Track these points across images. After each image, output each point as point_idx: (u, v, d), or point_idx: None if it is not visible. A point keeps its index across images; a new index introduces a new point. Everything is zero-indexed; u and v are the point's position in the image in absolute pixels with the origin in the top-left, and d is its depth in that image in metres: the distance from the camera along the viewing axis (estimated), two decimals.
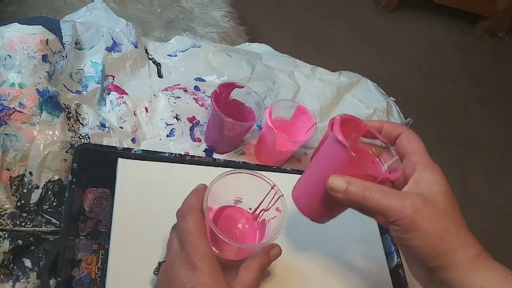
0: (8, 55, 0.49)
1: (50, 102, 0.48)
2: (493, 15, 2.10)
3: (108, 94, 0.58)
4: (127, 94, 0.59)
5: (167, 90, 0.63)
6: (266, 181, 0.40)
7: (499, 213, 1.56)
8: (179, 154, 0.51)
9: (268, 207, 0.41)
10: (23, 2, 0.94)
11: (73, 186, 0.45)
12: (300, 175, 0.54)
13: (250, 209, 0.44)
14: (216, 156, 0.59)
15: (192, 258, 0.33)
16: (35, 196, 0.46)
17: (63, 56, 0.55)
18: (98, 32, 0.62)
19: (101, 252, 0.46)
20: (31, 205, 0.46)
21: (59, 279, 0.40)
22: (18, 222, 0.44)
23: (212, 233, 0.36)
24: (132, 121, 0.57)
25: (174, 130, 0.59)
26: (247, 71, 0.69)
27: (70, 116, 0.51)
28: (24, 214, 0.45)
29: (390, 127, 0.39)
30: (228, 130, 0.55)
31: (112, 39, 0.61)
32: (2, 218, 0.44)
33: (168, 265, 0.36)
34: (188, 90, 0.64)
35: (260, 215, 0.43)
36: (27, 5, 0.93)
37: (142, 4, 1.05)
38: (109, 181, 0.48)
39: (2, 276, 0.42)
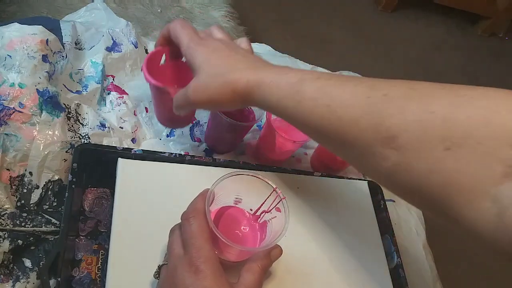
0: (8, 55, 0.49)
1: (50, 102, 0.48)
2: (493, 15, 2.10)
3: (108, 94, 0.58)
4: (127, 94, 0.59)
5: None
6: (268, 183, 0.40)
7: None
8: (179, 154, 0.51)
9: (269, 209, 0.41)
10: (23, 2, 0.94)
11: (73, 186, 0.45)
12: (300, 175, 0.55)
13: (251, 210, 0.44)
14: (216, 156, 0.59)
15: (195, 261, 0.33)
16: (35, 196, 0.46)
17: (63, 56, 0.55)
18: (98, 32, 0.62)
19: (101, 252, 0.46)
20: (31, 205, 0.46)
21: (59, 279, 0.40)
22: (18, 222, 0.44)
23: (213, 235, 0.36)
24: (132, 121, 0.57)
25: (174, 130, 0.59)
26: None
27: (70, 116, 0.51)
28: (24, 214, 0.45)
29: (166, 30, 0.47)
30: (228, 130, 0.55)
31: (112, 39, 0.61)
32: (2, 218, 0.44)
33: (170, 268, 0.36)
34: None
35: (261, 216, 0.43)
36: (27, 5, 0.93)
37: (142, 4, 1.05)
38: (109, 181, 0.48)
39: (2, 276, 0.42)
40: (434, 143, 0.28)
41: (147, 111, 0.60)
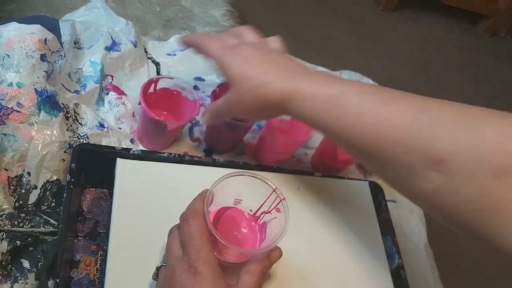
0: (6, 54, 0.49)
1: (48, 102, 0.48)
2: (495, 15, 2.10)
3: (107, 94, 0.58)
4: (126, 95, 0.59)
5: None
6: (268, 184, 0.40)
7: None
8: (178, 154, 0.51)
9: (269, 210, 0.41)
10: (21, 1, 0.93)
11: (71, 186, 0.44)
12: (300, 176, 0.55)
13: (251, 211, 0.44)
14: (215, 156, 0.59)
15: (193, 263, 0.33)
16: (33, 197, 0.46)
17: (61, 56, 0.54)
18: (97, 31, 0.61)
19: (100, 253, 0.45)
20: (29, 205, 0.45)
21: (57, 280, 0.39)
22: (16, 222, 0.44)
23: (212, 236, 0.36)
24: (130, 123, 0.57)
25: None
26: None
27: (69, 116, 0.51)
28: (22, 215, 0.45)
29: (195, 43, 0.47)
30: (228, 130, 0.55)
31: (112, 38, 0.60)
32: (0, 218, 0.43)
33: (168, 269, 0.35)
34: None
35: (261, 217, 0.43)
36: (25, 4, 0.93)
37: (141, 3, 1.04)
38: (107, 182, 0.47)
39: (0, 277, 0.42)
40: (483, 170, 0.29)
41: None
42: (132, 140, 0.56)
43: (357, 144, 0.35)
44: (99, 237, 0.46)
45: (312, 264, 0.48)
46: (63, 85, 0.54)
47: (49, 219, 0.46)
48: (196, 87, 0.65)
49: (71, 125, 0.50)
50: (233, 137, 0.58)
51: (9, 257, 0.42)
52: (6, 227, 0.43)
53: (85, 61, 0.58)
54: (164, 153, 0.50)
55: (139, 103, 0.52)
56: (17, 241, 0.43)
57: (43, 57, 0.50)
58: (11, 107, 0.46)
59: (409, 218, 0.64)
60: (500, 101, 1.91)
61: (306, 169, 0.61)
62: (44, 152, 0.46)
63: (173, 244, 0.37)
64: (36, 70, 0.49)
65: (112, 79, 0.60)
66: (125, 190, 0.45)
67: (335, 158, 0.58)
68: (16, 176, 0.45)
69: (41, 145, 0.46)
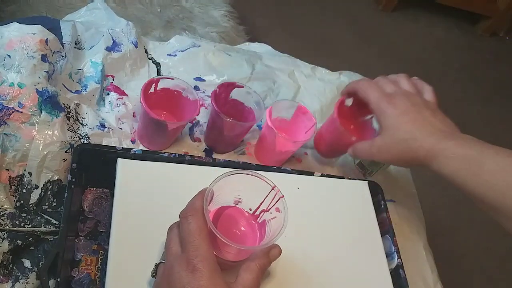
0: (7, 54, 0.49)
1: (49, 102, 0.48)
2: (494, 15, 2.10)
3: (108, 94, 0.58)
4: (127, 95, 0.59)
5: None
6: (267, 181, 0.40)
7: None
8: (178, 154, 0.51)
9: (268, 208, 0.41)
10: (22, 2, 0.94)
11: (72, 186, 0.45)
12: (300, 175, 0.55)
13: (250, 209, 0.44)
14: (216, 156, 0.59)
15: (192, 260, 0.33)
16: (34, 196, 0.46)
17: (62, 56, 0.55)
18: (98, 32, 0.61)
19: (101, 252, 0.46)
20: (31, 205, 0.46)
21: (58, 279, 0.39)
22: (17, 222, 0.44)
23: (211, 234, 0.36)
24: (131, 123, 0.57)
25: None
26: (247, 71, 0.69)
27: (70, 116, 0.51)
28: (24, 214, 0.45)
29: (352, 88, 0.54)
30: (228, 130, 0.55)
31: (112, 39, 0.61)
32: (2, 218, 0.44)
33: (167, 266, 0.36)
34: None
35: (260, 215, 0.43)
36: (26, 4, 0.93)
37: (142, 3, 1.04)
38: (108, 181, 0.48)
39: (1, 276, 0.42)
40: None
41: None
42: (132, 141, 0.56)
43: (494, 202, 0.41)
44: (100, 236, 0.47)
45: (311, 263, 0.48)
46: (64, 86, 0.54)
47: (50, 218, 0.46)
48: (196, 87, 0.65)
49: (72, 125, 0.50)
50: (233, 137, 0.58)
51: (10, 256, 0.43)
52: (7, 226, 0.43)
53: (86, 61, 0.58)
54: (164, 153, 0.51)
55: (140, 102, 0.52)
56: (18, 241, 0.43)
57: (44, 58, 0.51)
58: (12, 107, 0.46)
59: (408, 217, 0.64)
60: (499, 101, 1.91)
61: (306, 169, 0.61)
62: (45, 152, 0.46)
63: (172, 241, 0.37)
64: (37, 71, 0.49)
65: (113, 80, 0.60)
66: (126, 190, 0.46)
67: (339, 139, 0.58)
68: (17, 176, 0.46)
69: (42, 145, 0.46)
